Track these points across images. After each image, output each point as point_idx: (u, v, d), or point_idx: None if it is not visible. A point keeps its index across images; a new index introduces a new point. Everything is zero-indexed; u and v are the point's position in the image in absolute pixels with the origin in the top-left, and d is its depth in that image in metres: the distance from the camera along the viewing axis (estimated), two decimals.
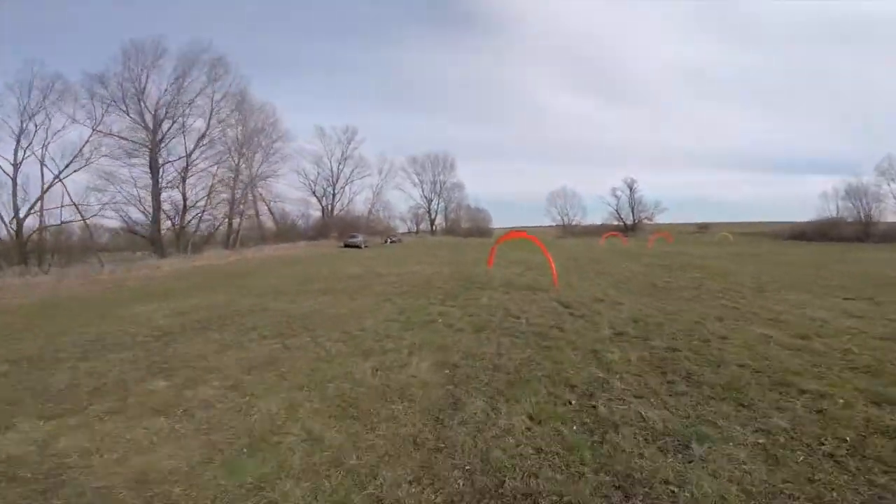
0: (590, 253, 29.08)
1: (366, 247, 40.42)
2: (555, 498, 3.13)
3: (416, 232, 76.38)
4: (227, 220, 47.16)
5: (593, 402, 4.77)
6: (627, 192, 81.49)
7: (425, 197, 76.53)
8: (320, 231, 50.77)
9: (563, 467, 3.52)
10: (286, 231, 54.49)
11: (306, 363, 6.45)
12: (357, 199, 61.28)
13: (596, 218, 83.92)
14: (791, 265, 20.98)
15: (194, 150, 39.04)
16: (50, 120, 32.45)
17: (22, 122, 30.83)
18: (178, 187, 38.00)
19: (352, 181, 58.99)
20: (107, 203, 33.01)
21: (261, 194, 52.72)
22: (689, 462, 3.53)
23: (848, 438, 3.85)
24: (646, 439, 3.93)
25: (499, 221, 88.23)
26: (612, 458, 3.62)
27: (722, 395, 4.93)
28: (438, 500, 3.13)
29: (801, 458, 3.57)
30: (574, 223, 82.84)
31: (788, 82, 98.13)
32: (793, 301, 11.06)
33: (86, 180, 33.71)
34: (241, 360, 6.72)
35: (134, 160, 36.00)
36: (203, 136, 39.21)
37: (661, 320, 8.88)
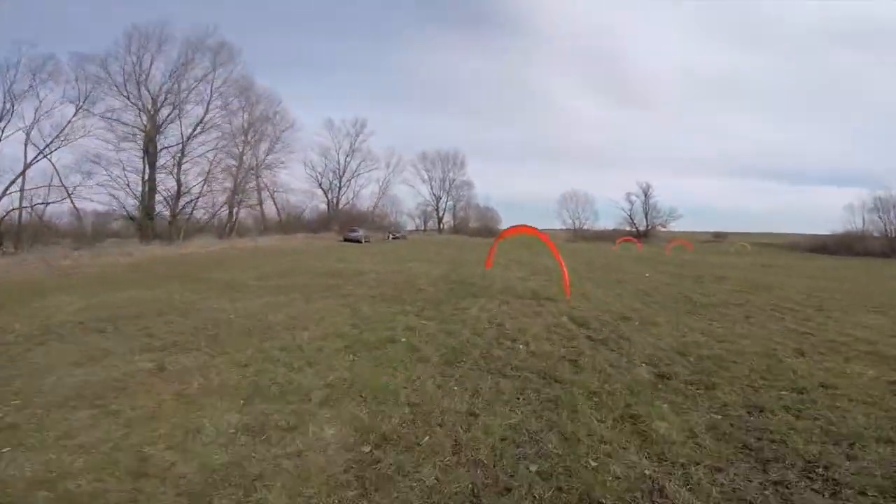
0: (604, 258, 26.20)
1: (367, 241, 37.92)
2: None
3: (424, 230, 73.80)
4: (227, 208, 45.12)
5: None
6: (642, 197, 77.95)
7: (434, 194, 73.90)
8: (323, 224, 48.43)
9: None
10: (290, 222, 52.37)
11: (147, 399, 3.89)
12: (363, 193, 58.87)
13: (608, 223, 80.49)
14: (835, 279, 17.98)
15: (192, 135, 36.83)
16: (40, 101, 30.43)
17: (4, 102, 28.77)
18: (172, 173, 35.81)
19: (358, 174, 56.54)
20: (92, 185, 30.81)
21: (265, 184, 50.69)
22: None
23: None
24: None
25: (508, 222, 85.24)
26: None
27: None
28: None
29: None
30: (585, 227, 79.59)
31: (808, 90, 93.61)
32: (874, 325, 8.33)
33: (76, 163, 31.64)
34: (78, 384, 4.21)
35: (126, 144, 33.85)
36: (201, 121, 36.98)
37: (718, 352, 6.16)
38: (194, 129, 36.86)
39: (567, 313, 8.50)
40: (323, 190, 56.11)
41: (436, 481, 2.84)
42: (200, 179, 37.10)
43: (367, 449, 3.19)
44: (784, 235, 70.35)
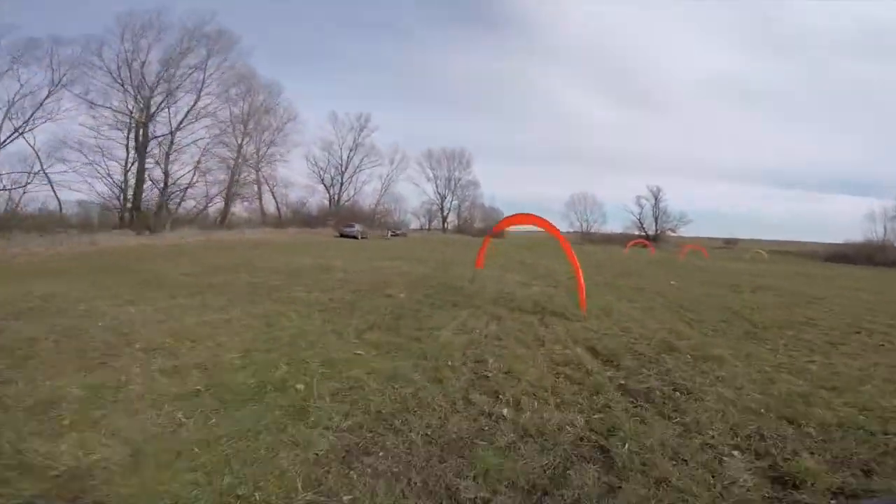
0: (618, 261, 23.25)
1: (364, 238, 35.29)
2: None
3: (428, 228, 71.05)
4: (223, 200, 42.84)
5: None
6: (653, 200, 74.55)
7: (439, 193, 70.91)
8: (322, 219, 45.89)
9: None
10: (289, 217, 49.98)
11: None
12: (365, 190, 56.13)
13: (616, 226, 77.16)
14: (883, 292, 14.89)
15: (181, 124, 34.50)
16: (21, 84, 28.12)
17: None
18: (160, 163, 33.46)
19: (361, 170, 53.86)
20: (68, 171, 28.51)
21: (264, 177, 48.31)
22: None
23: None
24: None
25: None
26: None
27: None
28: None
29: None
30: (593, 230, 76.37)
31: (822, 97, 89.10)
32: None
33: (55, 149, 29.33)
34: None
35: (113, 132, 31.59)
36: (191, 109, 34.63)
37: (844, 412, 3.40)
38: (184, 118, 34.50)
39: (584, 340, 5.69)
40: (325, 185, 53.55)
41: None
42: (191, 169, 34.68)
43: None
44: (796, 243, 66.81)
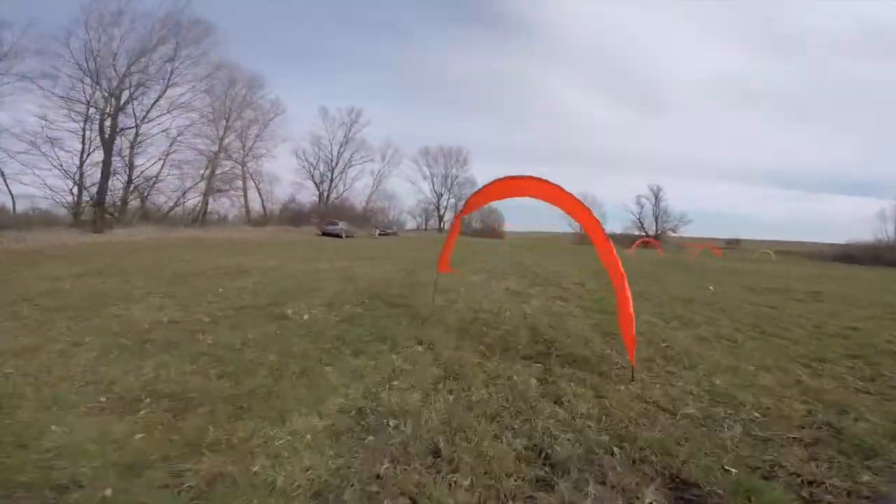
0: (632, 264, 19.64)
1: (349, 236, 31.80)
2: None
3: (425, 228, 67.50)
4: (201, 196, 39.42)
5: None
6: (653, 200, 71.16)
7: (435, 191, 67.40)
8: (309, 216, 42.42)
9: None
10: (275, 214, 46.54)
11: None
12: (356, 187, 52.52)
13: (616, 226, 73.73)
14: None
15: (148, 114, 31.10)
16: None
17: None
18: (123, 156, 30.05)
19: (351, 165, 50.32)
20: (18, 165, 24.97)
21: (250, 173, 44.89)
22: None
23: None
24: None
25: (512, 223, 78.73)
26: None
27: None
28: None
29: None
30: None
31: (821, 97, 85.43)
32: None
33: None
34: None
35: (72, 124, 28.09)
36: (157, 100, 31.26)
37: None
38: (150, 109, 31.08)
39: (657, 450, 2.20)
40: (314, 182, 50.06)
41: None
42: (156, 160, 31.25)
43: None
44: (798, 244, 63.45)
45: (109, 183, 30.98)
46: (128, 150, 30.46)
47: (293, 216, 46.15)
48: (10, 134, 25.73)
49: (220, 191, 42.49)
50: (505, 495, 1.86)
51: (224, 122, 41.66)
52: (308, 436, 2.23)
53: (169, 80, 31.90)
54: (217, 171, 41.60)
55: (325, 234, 31.64)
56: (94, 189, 29.61)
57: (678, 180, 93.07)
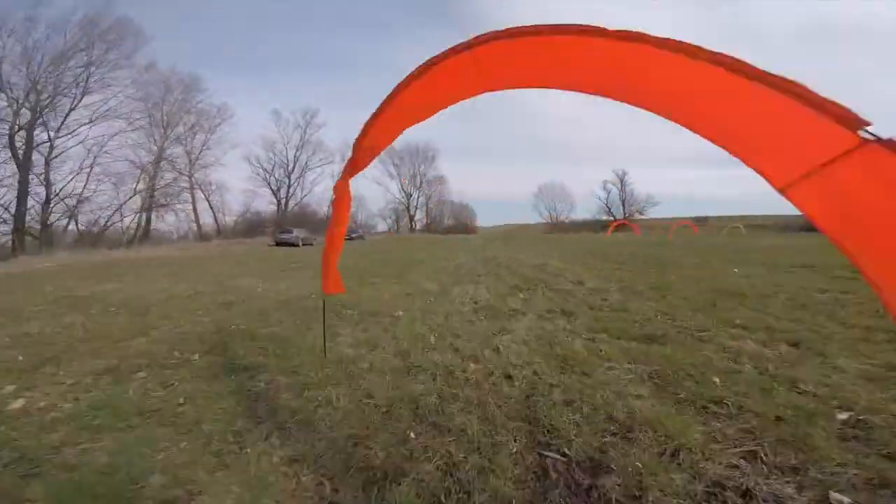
0: (621, 248, 17.12)
1: (307, 244, 28.46)
2: None
3: (397, 229, 64.21)
4: (141, 212, 35.38)
5: None
6: (619, 184, 70.18)
7: (404, 191, 64.13)
8: (265, 226, 38.74)
9: None
10: (229, 226, 42.61)
11: None
12: (317, 191, 48.83)
13: (585, 213, 72.48)
14: None
15: (61, 126, 27.08)
16: None
17: None
18: (38, 174, 25.98)
19: (310, 168, 46.65)
20: None
21: (197, 183, 40.75)
22: None
23: None
24: None
25: (484, 219, 76.35)
26: None
27: None
28: None
29: None
30: (563, 218, 71.47)
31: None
32: None
33: None
34: None
35: None
36: (72, 108, 27.26)
37: None
38: (64, 119, 27.04)
39: None
40: (271, 189, 46.24)
41: None
42: (75, 174, 27.24)
43: None
44: (761, 217, 63.62)
45: (29, 203, 26.84)
46: (46, 167, 26.34)
47: (249, 227, 42.30)
48: None
49: (163, 205, 38.35)
50: None
51: (162, 129, 37.58)
52: None
53: (86, 86, 27.84)
54: (158, 184, 37.52)
55: (279, 243, 28.21)
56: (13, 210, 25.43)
57: (644, 167, 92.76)
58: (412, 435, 2.05)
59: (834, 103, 0.96)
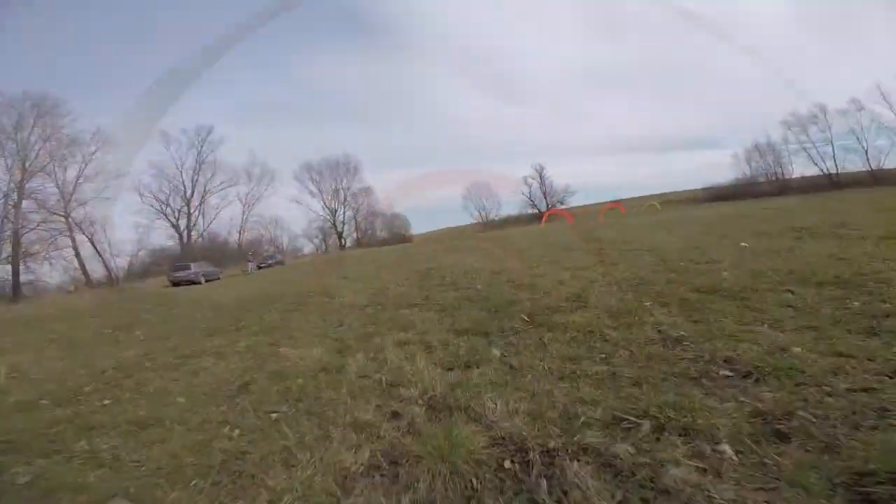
0: (578, 239, 14.81)
1: (210, 279, 23.78)
2: None
3: (326, 249, 59.22)
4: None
5: None
6: (538, 178, 71.34)
7: (327, 207, 59.28)
8: (160, 265, 32.79)
9: None
10: (121, 268, 36.00)
11: None
12: (224, 217, 43.03)
13: (512, 209, 72.77)
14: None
15: None
16: None
17: None
18: None
19: (210, 192, 40.94)
20: None
21: (76, 224, 33.65)
22: None
23: None
24: None
25: (419, 226, 73.53)
26: None
27: None
28: None
29: None
30: (493, 217, 71.05)
31: (662, 74, 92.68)
32: None
33: None
34: None
35: None
36: None
37: None
38: None
39: None
40: (170, 221, 39.87)
41: None
42: None
43: None
44: (671, 194, 67.65)
45: None
46: None
47: (145, 267, 35.85)
48: None
49: (30, 254, 31.15)
50: None
51: (21, 164, 30.54)
52: None
53: None
54: (22, 229, 30.39)
55: (175, 283, 23.24)
56: None
57: (563, 161, 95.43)
58: None
59: None
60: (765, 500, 1.39)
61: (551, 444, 1.81)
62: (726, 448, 1.64)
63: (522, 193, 72.27)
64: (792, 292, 3.59)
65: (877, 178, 35.41)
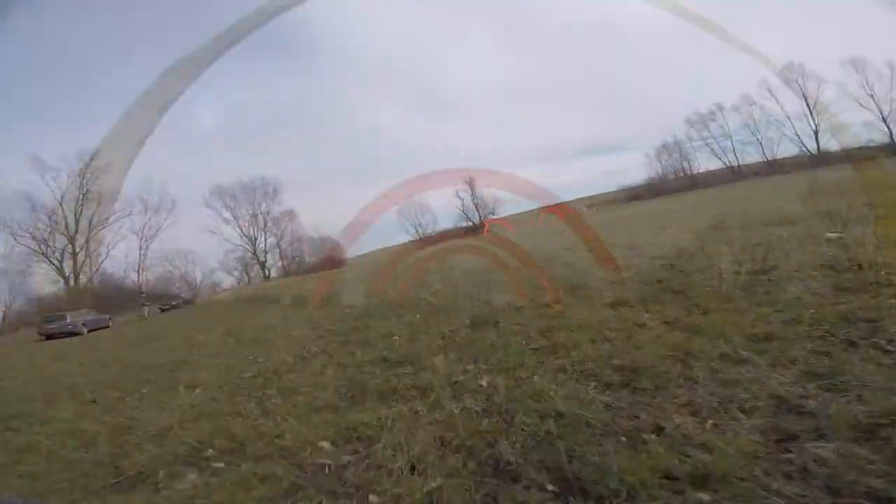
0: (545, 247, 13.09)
1: (95, 328, 19.21)
2: None
3: (248, 282, 53.14)
4: None
5: None
6: (469, 190, 71.31)
7: (245, 235, 53.32)
8: (33, 316, 26.68)
9: None
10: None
11: None
12: (118, 254, 36.59)
13: (447, 223, 71.88)
14: None
15: None
16: None
17: None
18: None
19: (99, 227, 34.75)
20: None
21: None
22: None
23: None
24: None
25: (353, 249, 69.35)
26: None
27: None
28: None
29: None
30: (430, 232, 69.41)
31: (566, 83, 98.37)
32: None
33: None
34: None
35: None
36: None
37: None
38: None
39: None
40: (53, 262, 33.06)
41: None
42: None
43: None
44: (588, 198, 70.95)
45: None
46: None
47: (19, 320, 29.13)
48: None
49: None
50: None
51: None
52: None
53: None
54: None
55: (49, 336, 18.40)
56: None
57: (496, 167, 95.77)
58: None
59: None
60: None
61: None
62: None
63: (457, 207, 71.52)
64: None
65: (772, 167, 39.06)
